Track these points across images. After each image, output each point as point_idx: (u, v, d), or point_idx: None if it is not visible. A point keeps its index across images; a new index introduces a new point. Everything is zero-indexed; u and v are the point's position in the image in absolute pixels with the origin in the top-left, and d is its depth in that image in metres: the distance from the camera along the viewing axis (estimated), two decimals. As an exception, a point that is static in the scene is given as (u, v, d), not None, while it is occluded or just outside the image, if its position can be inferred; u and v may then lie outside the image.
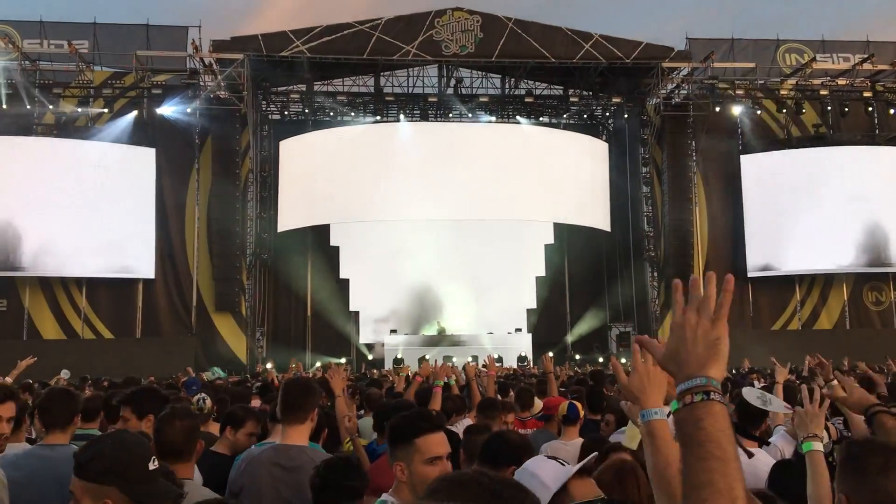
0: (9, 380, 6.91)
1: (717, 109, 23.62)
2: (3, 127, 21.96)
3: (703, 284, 1.53)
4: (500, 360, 20.43)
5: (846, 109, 24.04)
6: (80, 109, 22.42)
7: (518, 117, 26.01)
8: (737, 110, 23.85)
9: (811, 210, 23.62)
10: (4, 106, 21.81)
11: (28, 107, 22.02)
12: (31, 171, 21.62)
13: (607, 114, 27.01)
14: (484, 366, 8.53)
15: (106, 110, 22.63)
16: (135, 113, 22.65)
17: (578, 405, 5.38)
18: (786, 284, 24.72)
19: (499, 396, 6.74)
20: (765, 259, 24.11)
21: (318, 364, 22.47)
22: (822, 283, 24.75)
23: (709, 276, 1.55)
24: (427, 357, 20.77)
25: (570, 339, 26.18)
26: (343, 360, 21.60)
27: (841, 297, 24.76)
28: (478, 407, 5.41)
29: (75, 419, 3.74)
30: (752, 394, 3.71)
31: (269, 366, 21.67)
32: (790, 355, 12.14)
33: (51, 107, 22.25)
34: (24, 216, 21.64)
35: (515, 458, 3.10)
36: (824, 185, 23.76)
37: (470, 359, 19.63)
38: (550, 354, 8.05)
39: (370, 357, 23.85)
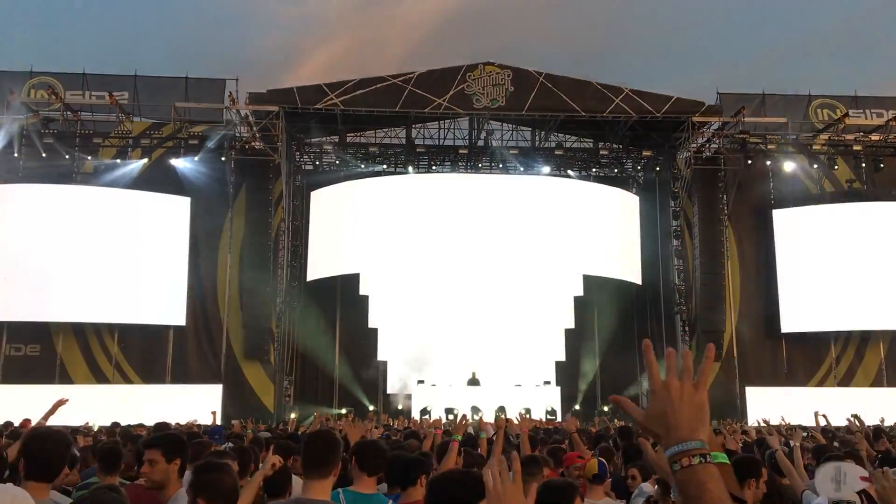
0: (43, 422, 6.93)
1: (749, 162, 23.58)
2: (42, 175, 22.53)
3: (680, 357, 1.61)
4: (528, 411, 20.20)
5: (881, 165, 23.86)
6: (119, 161, 22.94)
7: (548, 170, 26.11)
8: (788, 166, 23.86)
9: (846, 266, 23.28)
10: (44, 154, 22.43)
11: (66, 156, 22.62)
12: (68, 219, 22.09)
13: (638, 167, 27.03)
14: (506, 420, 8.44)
15: (144, 160, 23.15)
16: (171, 162, 23.11)
17: (605, 463, 5.29)
18: (821, 341, 24.26)
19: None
20: (799, 315, 23.70)
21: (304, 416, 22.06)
22: (857, 340, 24.26)
23: (685, 353, 1.59)
24: (455, 410, 20.59)
25: (600, 392, 25.82)
26: (344, 410, 21.28)
27: (878, 356, 24.22)
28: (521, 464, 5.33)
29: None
30: (826, 477, 3.34)
31: (293, 416, 21.60)
32: (828, 415, 11.89)
33: (89, 158, 22.83)
34: (59, 263, 22.00)
35: (555, 500, 3.18)
36: (859, 241, 23.46)
37: (503, 415, 19.50)
38: (578, 407, 7.97)
39: (400, 407, 23.66)
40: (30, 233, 21.99)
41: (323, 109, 22.61)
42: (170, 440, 3.95)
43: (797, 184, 24.90)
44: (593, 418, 19.24)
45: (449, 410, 20.90)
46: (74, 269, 22.03)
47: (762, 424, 12.30)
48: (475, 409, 20.66)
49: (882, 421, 11.84)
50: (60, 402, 7.10)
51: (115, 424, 12.78)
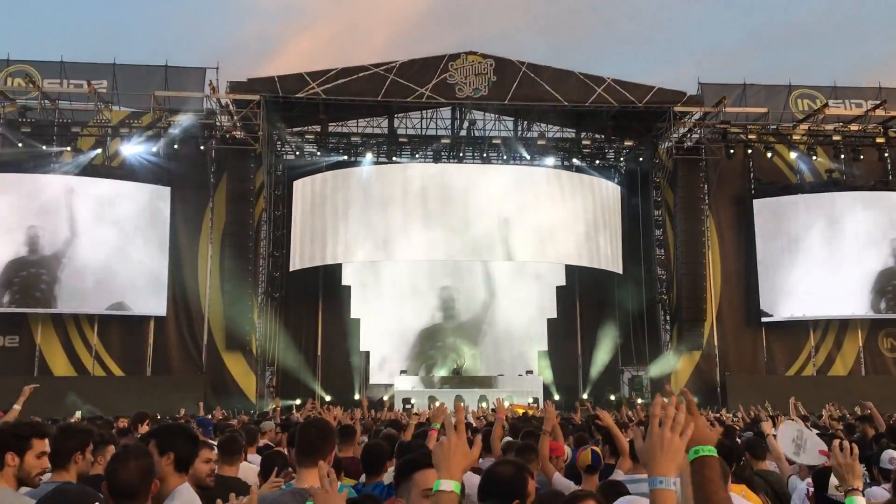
0: (17, 407, 6.91)
1: (733, 152, 23.72)
2: (22, 165, 22.24)
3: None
4: (507, 399, 20.30)
5: (861, 157, 24.05)
6: (98, 151, 22.68)
7: (530, 159, 26.13)
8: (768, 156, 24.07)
9: (825, 255, 23.53)
10: (20, 145, 22.12)
11: (44, 146, 22.34)
12: (46, 209, 21.85)
13: (619, 157, 27.12)
14: (492, 409, 8.42)
15: (123, 149, 22.88)
16: (151, 151, 22.82)
17: (599, 452, 5.27)
18: (800, 330, 24.50)
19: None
20: (778, 304, 23.93)
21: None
22: (836, 328, 24.51)
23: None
24: (438, 400, 20.63)
25: (581, 381, 25.96)
26: (298, 401, 21.26)
27: (856, 344, 24.49)
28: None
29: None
30: (788, 436, 3.43)
31: (272, 405, 21.52)
32: (806, 402, 12.00)
33: (68, 148, 22.54)
34: (38, 253, 21.78)
35: (503, 493, 2.88)
36: (838, 230, 23.70)
37: (485, 404, 19.61)
38: (557, 397, 7.96)
39: (386, 398, 23.71)
40: (7, 223, 21.74)
41: (305, 98, 22.47)
42: (160, 432, 3.88)
43: (777, 173, 25.08)
44: (574, 405, 19.29)
45: (406, 400, 21.11)
46: (53, 259, 21.81)
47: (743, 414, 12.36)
48: (458, 398, 20.71)
49: (859, 409, 11.93)
50: (30, 389, 7.10)
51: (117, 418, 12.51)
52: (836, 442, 3.29)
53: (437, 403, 6.67)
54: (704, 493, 2.12)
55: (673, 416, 2.15)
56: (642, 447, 2.18)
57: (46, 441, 3.55)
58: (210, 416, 13.51)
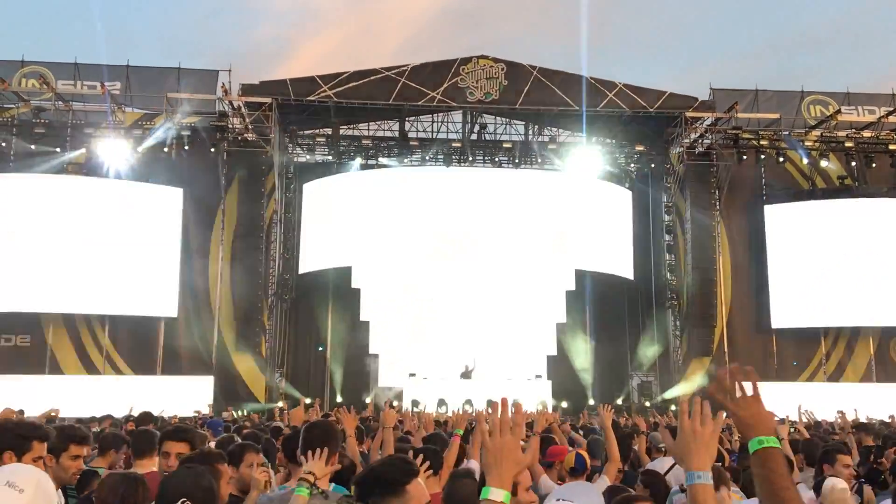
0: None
1: (745, 157, 23.63)
2: (33, 166, 22.38)
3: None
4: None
5: (874, 165, 23.92)
6: (110, 151, 22.78)
7: (541, 163, 26.10)
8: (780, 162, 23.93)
9: (836, 262, 23.37)
10: (32, 147, 22.26)
11: (57, 149, 22.48)
12: (59, 209, 21.97)
13: (630, 162, 27.05)
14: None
15: (136, 150, 22.99)
16: (164, 153, 22.92)
17: (585, 455, 5.26)
18: (811, 337, 24.35)
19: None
20: (789, 310, 23.79)
21: (280, 403, 22.18)
22: (847, 336, 24.35)
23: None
24: (446, 404, 20.64)
25: (590, 386, 25.86)
26: (308, 400, 21.26)
27: (867, 351, 24.33)
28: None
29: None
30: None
31: (279, 404, 21.60)
32: (817, 410, 11.92)
33: (83, 150, 22.66)
34: (50, 253, 21.88)
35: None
36: (849, 237, 23.55)
37: (488, 409, 19.55)
38: (565, 405, 7.99)
39: (396, 403, 23.70)
40: (21, 223, 21.87)
41: (316, 101, 22.56)
42: (196, 435, 3.93)
43: (789, 179, 24.97)
44: (582, 411, 19.21)
45: (415, 403, 21.09)
46: (65, 260, 21.90)
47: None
48: (467, 403, 20.71)
49: (867, 418, 11.84)
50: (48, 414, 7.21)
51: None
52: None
53: (466, 408, 6.56)
54: (771, 487, 1.98)
55: (699, 409, 2.13)
56: (673, 444, 2.16)
57: (45, 445, 3.54)
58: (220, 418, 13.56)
